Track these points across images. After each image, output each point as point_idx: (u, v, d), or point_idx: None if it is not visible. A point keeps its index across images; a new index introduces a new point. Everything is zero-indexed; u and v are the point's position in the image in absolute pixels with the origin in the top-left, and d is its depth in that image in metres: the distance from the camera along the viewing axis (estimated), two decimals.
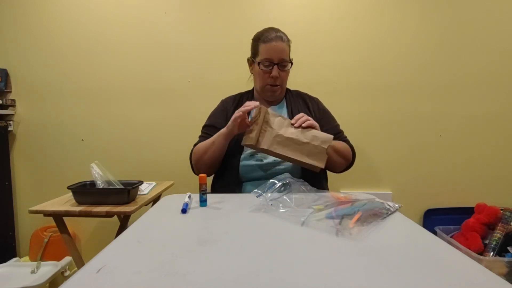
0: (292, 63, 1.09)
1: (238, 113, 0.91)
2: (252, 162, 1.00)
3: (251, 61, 1.13)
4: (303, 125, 0.90)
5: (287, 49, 1.06)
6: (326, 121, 1.12)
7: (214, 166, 1.04)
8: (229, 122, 0.95)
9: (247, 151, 1.02)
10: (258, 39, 1.08)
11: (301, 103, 1.15)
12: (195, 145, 1.10)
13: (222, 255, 0.48)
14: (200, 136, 1.13)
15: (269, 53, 1.04)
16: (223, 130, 0.97)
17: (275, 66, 1.04)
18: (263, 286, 0.39)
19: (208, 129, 1.12)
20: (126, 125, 1.72)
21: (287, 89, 1.19)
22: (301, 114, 0.93)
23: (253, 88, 1.19)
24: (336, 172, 1.10)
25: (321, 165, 0.88)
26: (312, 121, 0.91)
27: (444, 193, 1.72)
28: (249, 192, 0.81)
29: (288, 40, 1.08)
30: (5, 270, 1.40)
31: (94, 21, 1.69)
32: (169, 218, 0.69)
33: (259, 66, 1.06)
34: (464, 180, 1.72)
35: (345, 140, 1.11)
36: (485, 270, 0.43)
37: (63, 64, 1.70)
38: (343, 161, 1.04)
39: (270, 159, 0.99)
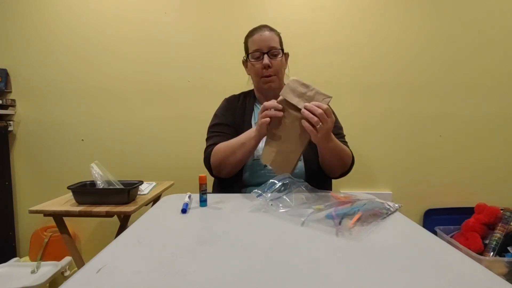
0: (284, 53, 1.06)
1: (264, 119, 0.83)
2: (256, 168, 0.99)
3: (244, 61, 1.12)
4: (304, 125, 0.76)
5: (276, 38, 1.04)
6: None
7: (239, 168, 0.98)
8: (257, 126, 0.87)
9: (252, 157, 1.00)
10: (246, 37, 1.07)
11: None
12: (210, 145, 1.03)
13: (222, 255, 0.48)
14: (212, 137, 1.07)
15: (257, 44, 1.02)
16: (253, 132, 0.90)
17: (265, 55, 1.01)
18: (263, 286, 0.39)
19: (220, 128, 1.07)
20: (126, 125, 1.72)
21: None
22: (318, 107, 0.76)
23: (253, 89, 1.18)
24: (332, 177, 1.06)
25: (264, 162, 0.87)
26: (314, 133, 0.77)
27: (444, 193, 1.72)
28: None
29: (276, 31, 1.06)
30: (5, 270, 1.40)
31: (94, 21, 1.69)
32: (169, 218, 0.69)
33: (250, 60, 1.04)
34: (464, 180, 1.72)
35: (344, 144, 1.07)
36: (485, 270, 0.43)
37: (63, 64, 1.71)
38: (338, 163, 0.98)
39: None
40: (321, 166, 1.01)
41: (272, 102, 0.82)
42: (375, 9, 1.67)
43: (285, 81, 1.14)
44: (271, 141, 0.85)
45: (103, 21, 1.69)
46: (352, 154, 1.04)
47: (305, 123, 0.76)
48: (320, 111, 0.75)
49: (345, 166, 1.01)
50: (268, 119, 0.82)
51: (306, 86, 0.79)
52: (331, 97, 0.78)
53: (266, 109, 0.83)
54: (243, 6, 1.68)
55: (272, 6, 1.68)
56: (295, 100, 0.79)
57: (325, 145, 0.87)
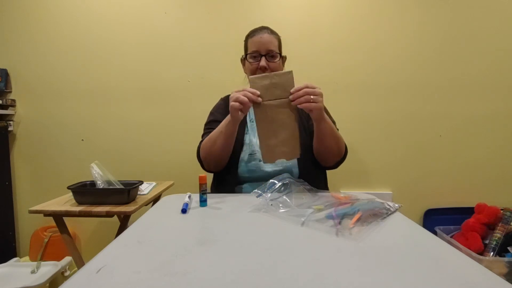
0: (281, 56, 1.07)
1: (234, 103, 0.84)
2: (252, 162, 1.00)
3: (243, 59, 1.13)
4: (300, 106, 0.81)
5: (275, 41, 1.05)
6: None
7: (224, 157, 1.00)
8: (230, 110, 0.88)
9: (246, 151, 1.02)
10: (247, 37, 1.09)
11: None
12: (200, 142, 1.07)
13: (222, 255, 0.48)
14: (204, 134, 1.10)
15: (256, 45, 1.04)
16: (228, 118, 0.91)
17: (263, 57, 1.03)
18: (263, 286, 0.39)
19: (213, 125, 1.08)
20: (126, 125, 1.72)
21: None
22: (305, 87, 0.81)
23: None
24: (328, 165, 1.06)
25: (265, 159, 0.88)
26: (312, 104, 0.81)
27: (444, 193, 1.72)
28: (249, 192, 0.80)
29: (276, 34, 1.08)
30: (5, 270, 1.40)
31: (94, 21, 1.69)
32: (169, 218, 0.69)
33: (247, 60, 1.06)
34: (464, 180, 1.72)
35: None
36: (485, 270, 0.43)
37: (63, 64, 1.71)
38: (336, 149, 1.00)
39: None
40: (316, 154, 1.02)
41: (249, 92, 0.82)
42: (374, 9, 1.67)
43: None
44: (266, 138, 0.85)
45: (103, 21, 1.69)
46: (345, 145, 1.04)
47: (304, 105, 0.81)
48: (302, 88, 0.81)
49: (340, 152, 1.02)
50: (237, 104, 0.82)
51: (265, 76, 0.84)
52: (291, 70, 0.83)
53: (239, 93, 0.83)
54: (243, 6, 1.68)
55: (272, 6, 1.68)
56: (269, 95, 0.83)
57: (322, 121, 0.89)
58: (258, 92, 0.82)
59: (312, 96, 0.80)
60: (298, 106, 0.81)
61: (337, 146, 0.99)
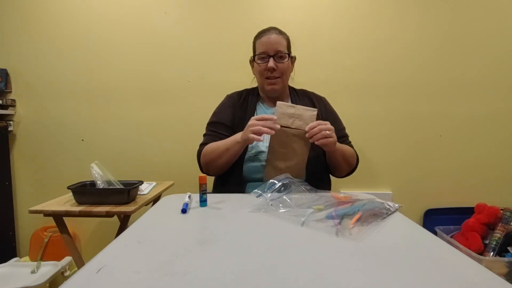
0: (290, 56, 1.08)
1: (254, 135, 0.85)
2: (257, 163, 1.00)
3: (251, 60, 1.13)
4: (317, 142, 0.86)
5: (283, 42, 1.05)
6: (331, 123, 1.09)
7: (225, 169, 1.02)
8: (244, 134, 0.90)
9: (251, 151, 1.01)
10: (255, 38, 1.09)
11: (308, 103, 1.11)
12: (202, 144, 1.07)
13: (222, 255, 0.48)
14: (206, 134, 1.10)
15: (264, 46, 1.04)
16: (238, 138, 0.93)
17: (271, 58, 1.03)
18: (263, 286, 0.39)
19: (216, 126, 1.08)
20: (126, 125, 1.72)
21: (293, 88, 1.18)
22: (318, 124, 0.87)
23: (257, 86, 1.18)
24: (339, 177, 1.11)
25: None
26: (329, 139, 0.87)
27: (444, 193, 1.72)
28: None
29: (285, 34, 1.08)
30: (5, 270, 1.40)
31: (94, 21, 1.69)
32: (169, 218, 0.69)
33: (256, 61, 1.06)
34: (464, 180, 1.72)
35: (349, 145, 1.10)
36: (485, 270, 0.43)
37: (63, 64, 1.71)
38: (347, 167, 1.05)
39: None
40: (329, 168, 1.08)
41: (271, 121, 0.86)
42: (374, 9, 1.67)
43: (290, 83, 1.15)
44: (274, 159, 0.92)
45: (103, 21, 1.69)
46: (357, 154, 1.08)
47: (320, 141, 0.86)
48: (316, 126, 0.86)
49: (351, 166, 1.08)
50: (260, 138, 0.86)
51: (292, 106, 0.89)
52: (316, 109, 0.89)
53: (259, 123, 0.86)
54: (243, 6, 1.68)
55: (272, 6, 1.68)
56: (290, 123, 0.89)
57: (335, 151, 0.96)
58: (278, 127, 0.86)
59: (327, 132, 0.86)
60: (316, 142, 0.86)
61: (349, 165, 1.05)
